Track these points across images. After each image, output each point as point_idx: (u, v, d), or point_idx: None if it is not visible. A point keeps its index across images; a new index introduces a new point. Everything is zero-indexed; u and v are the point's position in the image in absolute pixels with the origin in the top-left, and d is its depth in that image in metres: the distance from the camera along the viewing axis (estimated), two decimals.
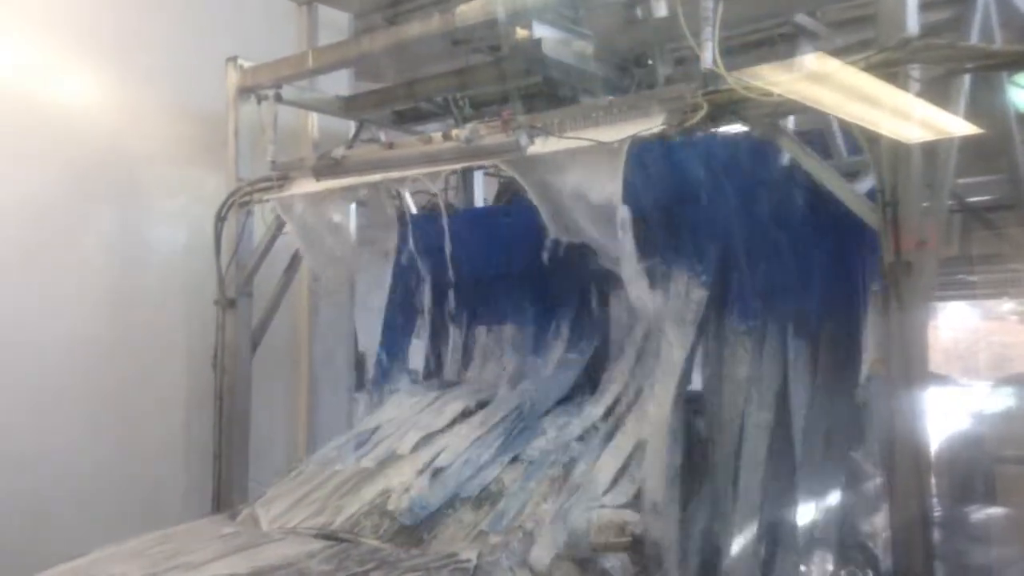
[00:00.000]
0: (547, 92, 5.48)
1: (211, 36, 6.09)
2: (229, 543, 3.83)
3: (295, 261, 6.00)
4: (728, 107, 3.79)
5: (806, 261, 4.26)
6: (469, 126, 4.21)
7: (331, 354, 6.84)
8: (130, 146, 5.84)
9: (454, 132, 4.33)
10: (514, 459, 4.05)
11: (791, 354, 4.10)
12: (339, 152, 4.64)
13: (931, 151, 3.60)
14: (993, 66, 3.73)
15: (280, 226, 5.62)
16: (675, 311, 4.11)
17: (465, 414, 4.53)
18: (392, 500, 3.96)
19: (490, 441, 4.22)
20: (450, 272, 4.93)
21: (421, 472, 4.09)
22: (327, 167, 4.70)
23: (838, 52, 4.56)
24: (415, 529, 3.78)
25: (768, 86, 3.61)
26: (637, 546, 3.43)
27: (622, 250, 4.02)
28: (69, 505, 5.31)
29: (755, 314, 4.10)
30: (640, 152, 4.00)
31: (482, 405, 4.59)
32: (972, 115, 3.85)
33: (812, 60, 3.68)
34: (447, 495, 3.91)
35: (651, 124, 3.94)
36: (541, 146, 4.15)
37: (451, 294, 5.17)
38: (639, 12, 5.14)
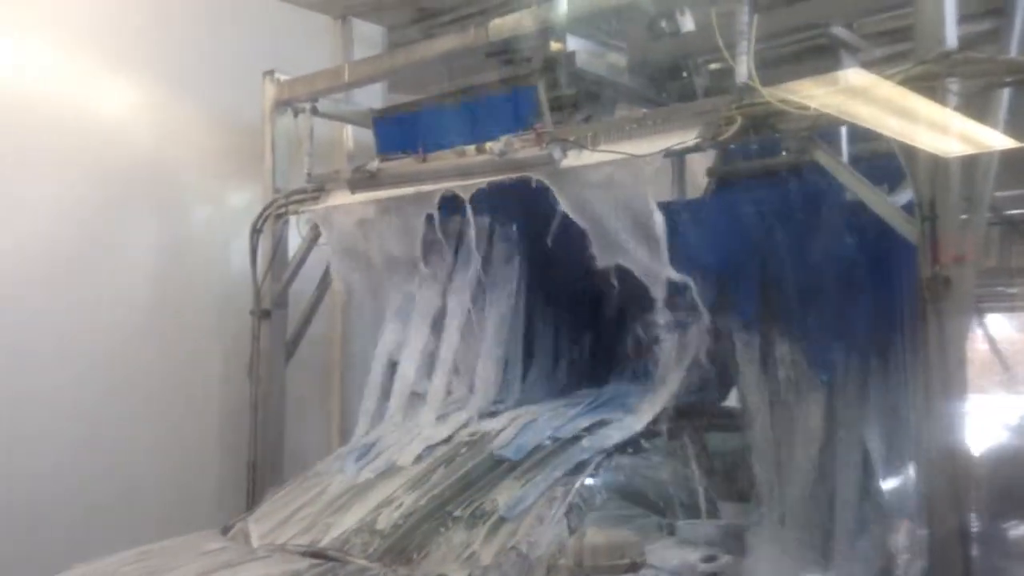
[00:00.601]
0: (581, 105, 5.51)
1: (248, 49, 6.16)
2: (211, 560, 3.68)
3: (329, 273, 6.04)
4: (763, 121, 3.77)
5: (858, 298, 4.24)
6: (503, 139, 4.22)
7: (364, 364, 6.87)
8: (168, 156, 5.93)
9: (487, 145, 4.34)
10: (512, 476, 3.81)
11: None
12: (374, 165, 4.67)
13: (969, 164, 3.55)
14: None
15: (315, 238, 5.66)
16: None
17: (468, 426, 4.42)
18: (382, 518, 3.78)
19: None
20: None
21: (414, 487, 3.92)
22: (362, 180, 4.73)
23: (875, 64, 4.56)
24: (404, 548, 3.60)
25: (804, 100, 3.60)
26: (634, 569, 3.18)
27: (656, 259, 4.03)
28: (106, 511, 5.38)
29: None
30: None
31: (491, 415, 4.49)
32: (1011, 127, 3.81)
33: (849, 74, 3.65)
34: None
35: (685, 137, 3.94)
36: (575, 159, 4.15)
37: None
38: (665, 25, 5.15)
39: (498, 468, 3.83)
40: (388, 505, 3.84)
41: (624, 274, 4.27)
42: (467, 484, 3.80)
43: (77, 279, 5.43)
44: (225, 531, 4.20)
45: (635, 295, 4.61)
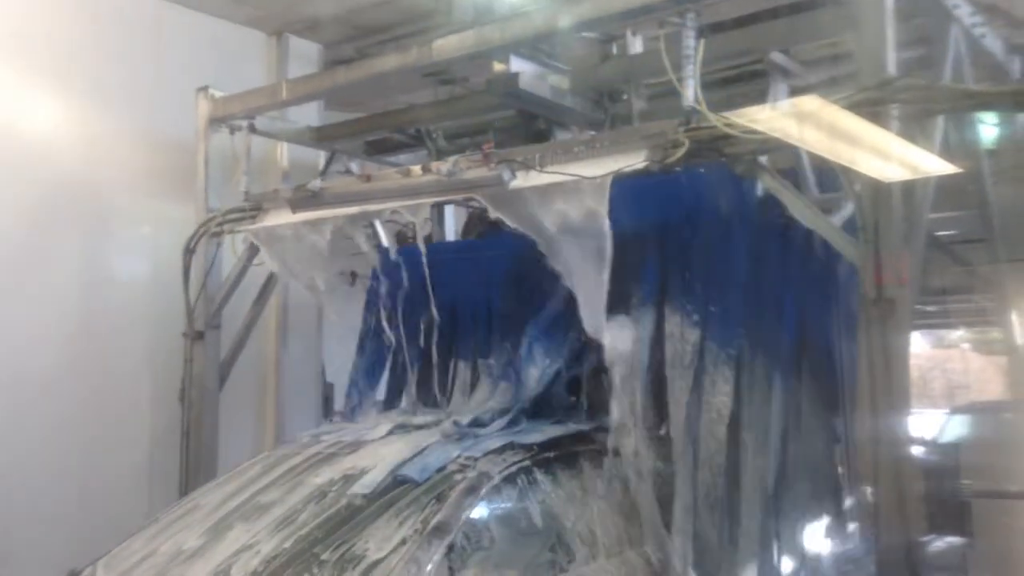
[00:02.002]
0: (522, 125, 5.53)
1: (181, 64, 6.04)
2: None
3: (264, 293, 5.93)
4: (710, 144, 3.82)
5: (782, 294, 4.32)
6: (451, 159, 4.19)
7: (299, 387, 6.77)
8: (96, 174, 5.76)
9: (434, 165, 4.30)
10: (390, 512, 3.40)
11: (776, 387, 4.12)
12: (316, 184, 4.60)
13: (909, 188, 3.66)
14: (972, 106, 3.83)
15: (251, 257, 5.54)
16: (673, 354, 4.03)
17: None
18: (239, 566, 3.31)
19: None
20: (426, 306, 4.88)
21: (278, 528, 3.47)
22: (304, 199, 4.65)
23: (810, 89, 4.69)
24: None
25: (749, 124, 3.66)
26: None
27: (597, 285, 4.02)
28: (26, 539, 5.16)
29: (737, 346, 4.08)
30: (622, 188, 4.00)
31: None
32: (944, 152, 3.95)
33: (795, 100, 3.73)
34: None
35: (633, 160, 3.96)
36: (523, 180, 4.14)
37: (423, 327, 5.09)
38: (614, 48, 5.22)
39: (373, 504, 3.42)
40: (248, 550, 3.38)
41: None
42: (339, 523, 3.38)
43: (1, 301, 5.22)
44: None
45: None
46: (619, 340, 4.10)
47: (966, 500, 4.54)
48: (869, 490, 3.62)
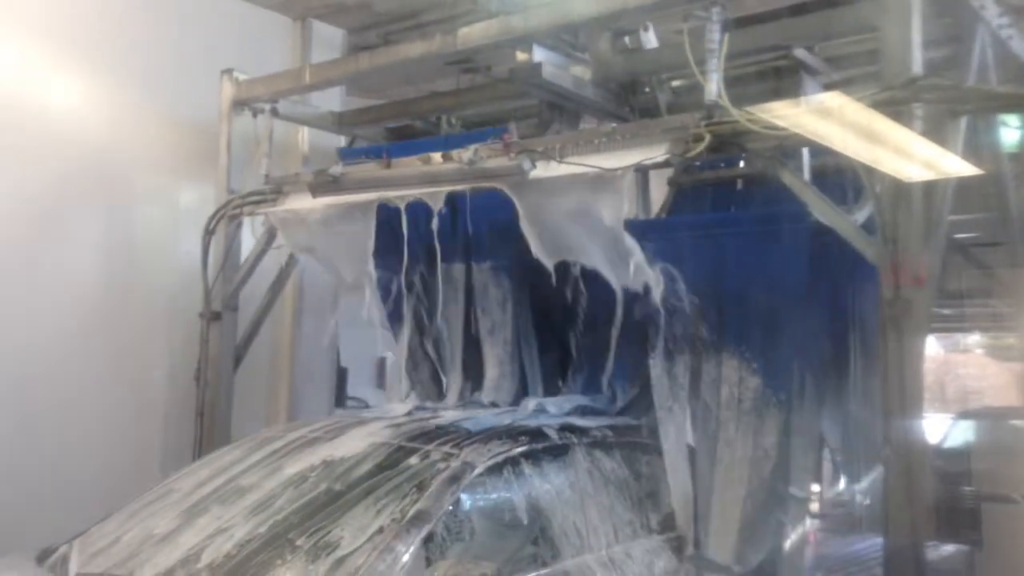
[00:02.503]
0: (543, 115, 5.53)
1: (205, 47, 6.05)
2: None
3: (281, 276, 5.97)
4: (731, 139, 3.82)
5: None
6: (472, 147, 4.21)
7: (313, 370, 6.79)
8: (120, 153, 5.78)
9: (455, 153, 4.32)
10: (368, 499, 3.31)
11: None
12: (337, 169, 4.61)
13: (929, 189, 3.65)
14: (996, 108, 3.81)
15: (270, 240, 5.58)
16: (729, 397, 4.02)
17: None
18: (211, 549, 3.23)
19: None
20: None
21: (255, 512, 3.39)
22: (324, 184, 4.67)
23: (834, 86, 4.68)
24: None
25: (772, 119, 3.66)
26: None
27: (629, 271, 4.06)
28: (44, 513, 5.19)
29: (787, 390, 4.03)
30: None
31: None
32: (966, 153, 3.93)
33: (818, 96, 3.72)
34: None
35: (654, 153, 3.98)
36: (543, 170, 4.16)
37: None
38: (627, 41, 5.20)
39: (351, 492, 3.35)
40: (221, 533, 3.31)
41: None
42: (316, 509, 3.31)
43: (22, 277, 5.27)
44: (43, 556, 3.66)
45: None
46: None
47: (975, 506, 4.53)
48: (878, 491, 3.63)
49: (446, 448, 3.53)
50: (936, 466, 5.07)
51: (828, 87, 4.72)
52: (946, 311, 9.15)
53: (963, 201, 4.12)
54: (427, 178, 4.41)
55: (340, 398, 7.14)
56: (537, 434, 3.78)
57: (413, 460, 3.48)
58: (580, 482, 3.74)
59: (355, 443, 3.74)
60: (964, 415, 8.78)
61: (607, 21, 4.72)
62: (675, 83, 5.21)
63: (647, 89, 5.32)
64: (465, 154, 4.20)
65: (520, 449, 3.62)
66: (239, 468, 3.84)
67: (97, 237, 5.72)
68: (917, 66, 3.53)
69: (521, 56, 5.02)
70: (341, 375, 7.17)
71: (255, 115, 5.68)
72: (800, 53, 4.67)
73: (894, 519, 3.47)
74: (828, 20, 4.50)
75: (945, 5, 4.00)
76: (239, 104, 5.76)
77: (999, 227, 4.75)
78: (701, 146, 3.84)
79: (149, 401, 5.93)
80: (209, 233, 5.67)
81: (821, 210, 3.79)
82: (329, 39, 6.70)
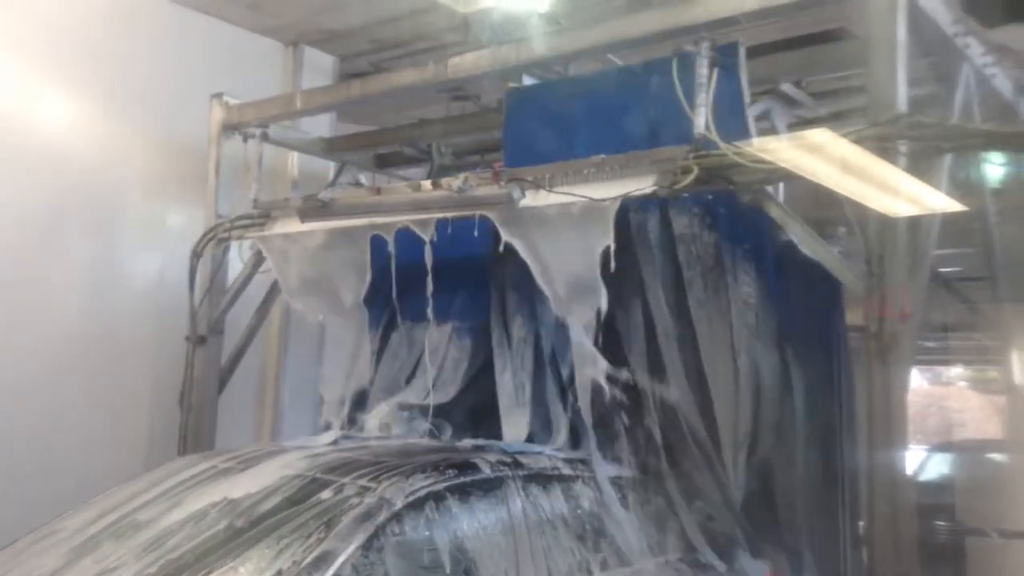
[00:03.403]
0: None
1: (196, 70, 6.08)
2: None
3: (268, 301, 5.95)
4: (719, 171, 3.85)
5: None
6: (461, 176, 4.23)
7: (298, 395, 6.77)
8: (108, 175, 5.79)
9: (444, 181, 4.35)
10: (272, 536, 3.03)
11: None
12: (326, 195, 4.63)
13: (914, 224, 3.70)
14: (980, 145, 3.87)
15: (257, 264, 5.57)
16: None
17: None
18: None
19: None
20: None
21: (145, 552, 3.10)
22: (313, 209, 4.68)
23: (819, 122, 4.74)
24: None
25: (759, 153, 3.70)
26: None
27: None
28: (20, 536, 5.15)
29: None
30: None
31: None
32: (950, 189, 3.98)
33: (805, 132, 3.77)
34: None
35: (642, 184, 4.00)
36: (532, 199, 4.18)
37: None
38: None
39: (253, 529, 3.08)
40: (108, 573, 3.04)
41: None
42: (214, 547, 3.03)
43: (7, 297, 5.25)
44: None
45: None
46: None
47: (960, 540, 4.54)
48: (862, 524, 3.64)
49: (363, 481, 3.21)
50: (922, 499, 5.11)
51: (814, 122, 4.78)
52: (930, 344, 9.25)
53: (949, 236, 4.18)
54: (416, 205, 4.43)
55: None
56: (467, 467, 3.48)
57: (325, 494, 3.16)
58: (514, 520, 3.44)
59: (266, 475, 3.43)
60: (938, 448, 8.82)
61: (596, 53, 4.77)
62: None
63: None
64: (455, 182, 4.22)
65: (446, 483, 3.31)
66: (140, 501, 3.56)
67: (84, 258, 5.70)
68: (903, 103, 3.58)
69: (512, 86, 5.06)
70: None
71: (245, 140, 5.69)
72: (786, 87, 4.73)
73: (878, 552, 3.47)
74: (815, 56, 4.57)
75: (930, 44, 4.06)
76: (229, 128, 5.77)
77: (983, 262, 4.81)
78: (689, 178, 3.87)
79: (133, 424, 5.90)
80: (196, 256, 5.65)
81: (807, 243, 3.83)
82: (320, 65, 6.74)
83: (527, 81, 4.96)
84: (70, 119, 5.61)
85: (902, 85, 3.60)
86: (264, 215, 5.38)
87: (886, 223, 3.55)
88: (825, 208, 4.22)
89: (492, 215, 4.27)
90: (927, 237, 3.82)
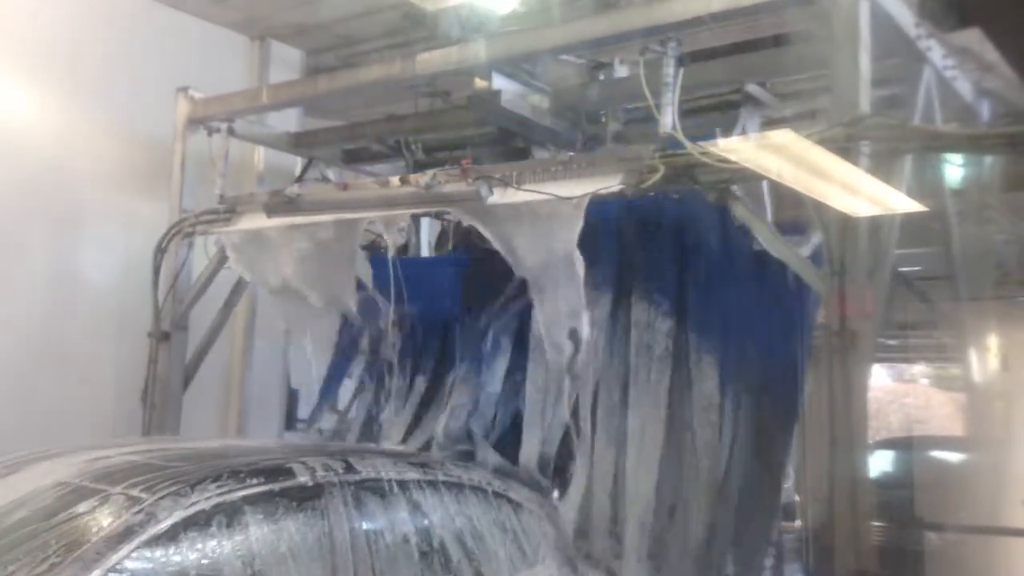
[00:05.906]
0: (500, 142, 5.58)
1: (161, 63, 6.02)
2: None
3: (233, 296, 5.91)
4: (684, 171, 3.89)
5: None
6: (430, 173, 4.23)
7: (264, 391, 6.74)
8: (69, 167, 5.73)
9: (412, 177, 4.34)
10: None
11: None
12: (293, 190, 4.60)
13: (876, 224, 3.75)
14: (940, 147, 3.93)
15: (222, 260, 5.53)
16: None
17: None
18: None
19: None
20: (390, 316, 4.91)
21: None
22: (280, 204, 4.66)
23: (784, 122, 4.78)
24: None
25: (724, 153, 3.73)
26: None
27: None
28: None
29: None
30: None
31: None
32: (911, 190, 4.03)
33: (769, 132, 3.80)
34: None
35: (609, 182, 4.02)
36: (500, 196, 4.19)
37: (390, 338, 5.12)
38: (601, 75, 5.28)
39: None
40: None
41: None
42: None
43: None
44: None
45: None
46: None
47: (918, 535, 4.60)
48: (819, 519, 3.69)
49: (135, 491, 2.64)
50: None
51: (779, 122, 4.82)
52: (891, 341, 9.35)
53: (909, 235, 4.24)
54: (384, 201, 4.42)
55: (290, 420, 7.07)
56: (278, 473, 2.91)
57: (81, 507, 2.58)
58: (335, 538, 2.88)
59: (25, 483, 2.84)
60: (883, 444, 8.89)
61: (565, 51, 4.78)
62: (628, 115, 5.28)
63: (603, 119, 5.38)
64: (423, 178, 4.22)
65: (243, 493, 2.75)
66: None
67: (44, 252, 5.64)
68: (865, 104, 3.62)
69: (480, 83, 5.05)
70: (292, 397, 7.11)
71: (210, 134, 5.64)
72: (752, 88, 4.77)
73: (841, 549, 3.52)
74: (780, 58, 4.61)
75: (893, 46, 4.12)
76: (194, 122, 5.72)
77: (942, 261, 4.88)
78: (655, 177, 3.91)
79: (95, 421, 5.83)
80: (161, 251, 5.60)
81: (770, 243, 3.87)
82: (288, 60, 6.70)
83: (496, 79, 4.95)
84: (30, 111, 5.54)
85: (865, 86, 3.65)
86: (230, 210, 5.34)
87: (848, 223, 3.60)
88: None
89: (460, 212, 4.28)
90: (888, 237, 3.88)
